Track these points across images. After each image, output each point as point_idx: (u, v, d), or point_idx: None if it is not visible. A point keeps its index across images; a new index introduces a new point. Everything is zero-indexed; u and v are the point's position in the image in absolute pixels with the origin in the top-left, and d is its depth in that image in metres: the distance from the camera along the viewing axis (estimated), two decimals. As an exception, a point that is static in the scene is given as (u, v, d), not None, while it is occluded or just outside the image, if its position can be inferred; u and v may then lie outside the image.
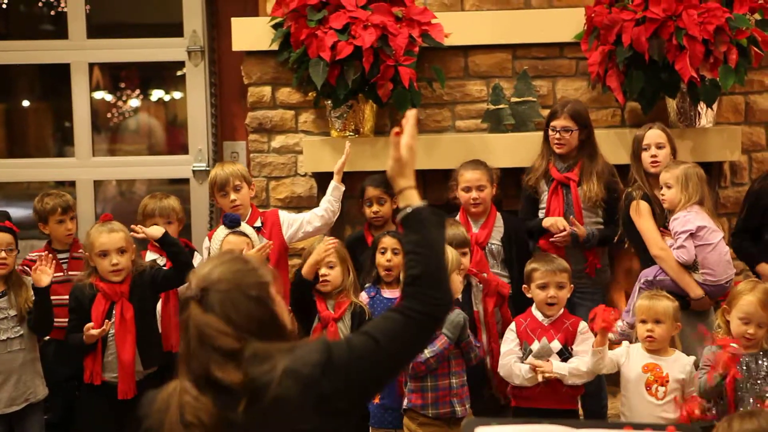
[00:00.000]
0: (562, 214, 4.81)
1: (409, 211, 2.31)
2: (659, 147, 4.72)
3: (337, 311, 4.25)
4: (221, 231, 4.48)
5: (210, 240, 4.71)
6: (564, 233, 4.69)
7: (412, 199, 2.35)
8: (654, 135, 4.75)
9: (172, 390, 2.17)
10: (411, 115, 2.41)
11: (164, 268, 4.50)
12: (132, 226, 4.46)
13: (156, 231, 4.41)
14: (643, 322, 4.03)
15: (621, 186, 4.85)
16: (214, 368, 2.11)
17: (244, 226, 4.51)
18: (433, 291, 2.23)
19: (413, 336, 2.22)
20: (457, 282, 4.11)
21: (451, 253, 4.05)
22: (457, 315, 4.05)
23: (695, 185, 4.48)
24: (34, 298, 4.44)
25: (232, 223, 4.46)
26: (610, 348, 4.08)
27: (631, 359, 4.04)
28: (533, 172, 4.91)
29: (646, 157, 4.73)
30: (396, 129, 2.39)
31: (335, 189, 4.90)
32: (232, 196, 4.79)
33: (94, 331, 4.22)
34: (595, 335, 4.03)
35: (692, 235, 4.43)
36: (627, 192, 4.76)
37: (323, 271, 4.27)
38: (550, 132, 4.84)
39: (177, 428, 2.12)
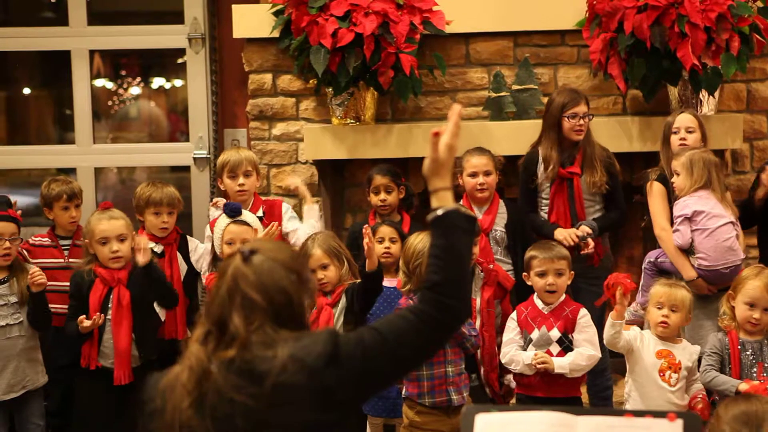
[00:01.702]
0: (567, 211, 4.81)
1: (440, 213, 2.27)
2: (689, 131, 4.74)
3: (332, 297, 4.23)
4: (223, 220, 4.45)
5: (211, 228, 4.72)
6: (587, 246, 4.69)
7: (445, 200, 2.31)
8: (685, 119, 4.77)
9: (178, 372, 2.17)
10: (455, 111, 2.36)
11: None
12: (136, 240, 4.42)
13: (146, 256, 4.33)
14: (659, 307, 4.01)
15: (618, 167, 4.88)
16: (234, 316, 2.14)
17: (246, 215, 4.48)
18: (452, 300, 2.21)
19: (424, 340, 2.21)
20: None
21: None
22: None
23: (700, 170, 4.48)
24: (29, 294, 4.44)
25: (233, 213, 4.43)
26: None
27: (644, 345, 4.02)
28: (552, 167, 4.77)
29: (675, 140, 4.74)
30: (435, 129, 2.35)
31: (311, 210, 4.91)
32: (241, 180, 4.81)
33: (86, 323, 4.23)
34: (612, 306, 3.99)
35: (689, 219, 4.44)
36: (645, 173, 4.80)
37: (319, 274, 4.23)
38: (570, 120, 4.77)
39: (182, 409, 2.12)
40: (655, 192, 4.68)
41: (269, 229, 4.42)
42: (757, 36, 5.07)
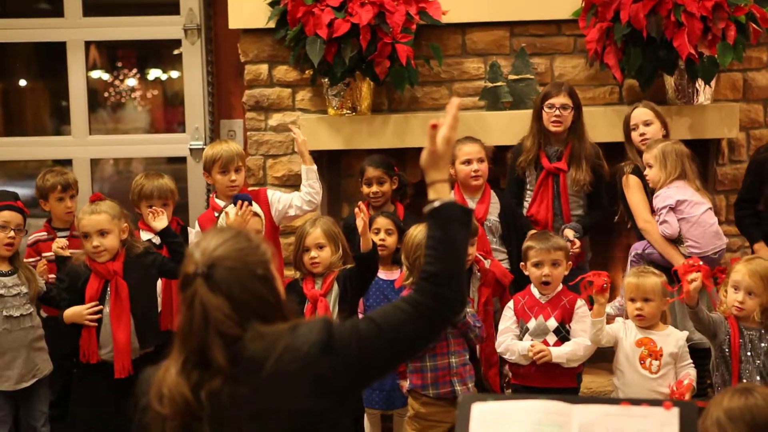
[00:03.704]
0: (550, 205, 4.84)
1: (437, 205, 2.27)
2: (646, 124, 4.78)
3: (323, 287, 4.23)
4: (232, 211, 4.40)
5: (200, 225, 4.72)
6: (574, 247, 4.68)
7: (442, 192, 2.31)
8: (640, 114, 4.80)
9: (162, 371, 2.17)
10: (454, 104, 2.35)
11: (166, 257, 4.45)
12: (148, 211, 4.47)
13: (160, 223, 4.39)
14: (632, 300, 4.04)
15: (606, 168, 4.91)
16: (213, 349, 2.10)
17: (255, 206, 4.46)
18: (448, 291, 2.21)
19: (420, 331, 2.21)
20: None
21: None
22: None
23: (673, 161, 4.53)
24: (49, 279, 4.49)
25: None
26: (607, 322, 4.10)
27: (626, 335, 4.06)
28: (524, 153, 4.89)
29: (635, 136, 4.79)
30: (433, 121, 2.34)
31: (309, 171, 4.80)
32: (233, 176, 4.79)
33: (70, 311, 4.26)
34: (592, 302, 4.03)
35: (673, 209, 4.49)
36: (619, 167, 4.80)
37: (313, 253, 4.23)
38: (547, 110, 4.82)
39: (160, 425, 2.12)
40: (633, 185, 4.71)
41: (238, 209, 4.31)
42: (754, 25, 5.07)
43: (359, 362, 2.16)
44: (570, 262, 4.33)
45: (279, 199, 4.85)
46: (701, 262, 4.00)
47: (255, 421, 2.11)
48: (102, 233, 4.30)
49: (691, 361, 4.05)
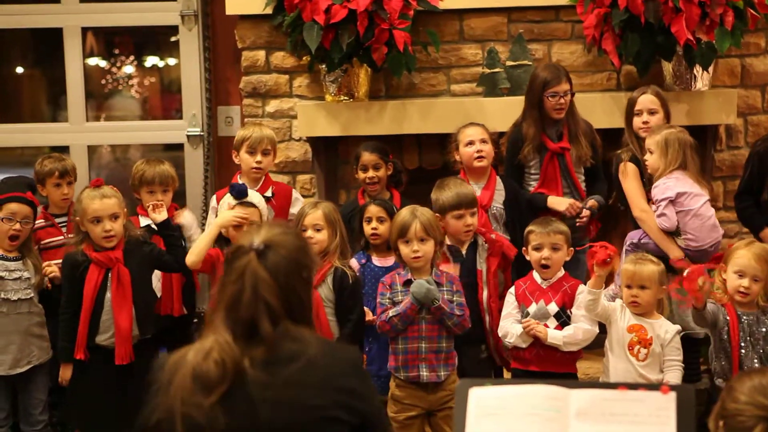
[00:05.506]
0: (560, 184, 4.85)
1: None
2: (651, 113, 4.76)
3: (316, 277, 4.13)
4: (229, 202, 4.39)
5: (216, 201, 4.71)
6: (584, 215, 4.75)
7: None
8: (646, 100, 4.78)
9: (184, 353, 2.20)
10: None
11: (162, 250, 4.47)
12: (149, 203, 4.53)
13: (160, 216, 4.42)
14: (629, 287, 4.03)
15: (599, 141, 4.93)
16: (262, 319, 2.16)
17: (252, 195, 4.42)
18: None
19: None
20: (405, 251, 4.11)
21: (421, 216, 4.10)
22: (424, 283, 4.05)
23: (675, 151, 4.50)
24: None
25: (240, 195, 4.35)
26: None
27: (621, 318, 4.06)
28: (528, 142, 4.85)
29: (637, 121, 4.77)
30: None
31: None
32: (259, 157, 4.80)
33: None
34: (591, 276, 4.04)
35: (672, 202, 4.47)
36: (616, 154, 4.80)
37: (309, 233, 4.20)
38: (550, 98, 4.79)
39: (187, 385, 2.13)
40: (630, 173, 4.70)
41: (236, 213, 4.30)
42: (751, 10, 5.06)
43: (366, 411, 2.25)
44: (572, 248, 4.31)
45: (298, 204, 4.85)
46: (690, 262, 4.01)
47: (270, 406, 2.16)
48: (114, 217, 4.31)
49: (678, 359, 4.02)
